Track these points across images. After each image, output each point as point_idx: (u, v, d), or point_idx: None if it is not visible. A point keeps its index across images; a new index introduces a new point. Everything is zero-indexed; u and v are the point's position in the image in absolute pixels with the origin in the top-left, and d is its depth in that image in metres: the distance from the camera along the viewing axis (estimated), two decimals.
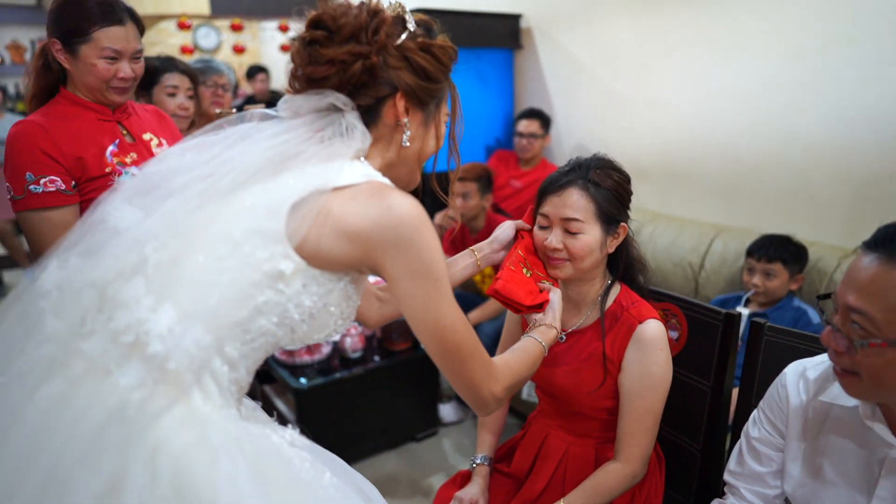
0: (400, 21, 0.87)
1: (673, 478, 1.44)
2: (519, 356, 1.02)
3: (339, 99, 0.85)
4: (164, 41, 7.42)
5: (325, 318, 0.86)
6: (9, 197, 1.43)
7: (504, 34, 3.61)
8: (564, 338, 1.31)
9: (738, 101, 2.60)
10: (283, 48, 5.84)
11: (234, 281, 0.78)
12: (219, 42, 7.43)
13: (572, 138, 3.49)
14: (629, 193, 1.28)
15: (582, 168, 1.24)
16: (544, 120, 3.35)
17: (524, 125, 3.33)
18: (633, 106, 3.08)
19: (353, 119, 0.86)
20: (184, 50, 5.60)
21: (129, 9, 1.51)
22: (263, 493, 0.73)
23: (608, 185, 1.22)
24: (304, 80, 0.86)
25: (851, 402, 0.94)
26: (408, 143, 0.91)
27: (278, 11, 5.84)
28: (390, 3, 0.90)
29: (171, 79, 2.13)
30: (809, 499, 1.00)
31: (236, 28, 5.71)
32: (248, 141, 0.85)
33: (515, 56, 3.72)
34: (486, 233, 2.74)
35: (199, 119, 2.40)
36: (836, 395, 0.96)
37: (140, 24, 1.53)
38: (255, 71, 5.19)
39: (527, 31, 3.63)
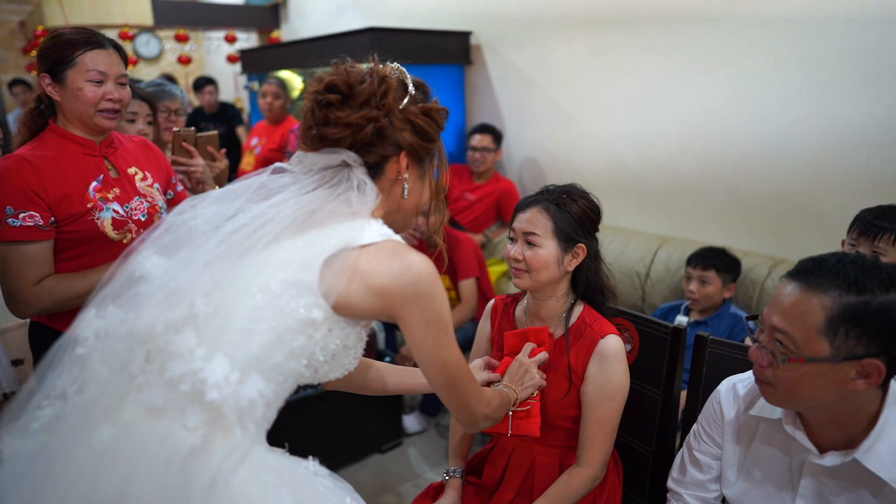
0: (402, 85, 0.98)
1: (629, 479, 1.56)
2: (500, 396, 1.20)
3: (349, 157, 0.94)
4: None
5: (343, 357, 0.96)
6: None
7: (454, 51, 3.72)
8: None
9: (677, 120, 2.78)
10: (230, 59, 5.77)
11: (271, 329, 0.86)
12: (160, 50, 7.28)
13: (522, 152, 3.63)
14: (592, 220, 1.40)
15: (550, 192, 1.40)
16: (496, 134, 3.47)
17: (477, 140, 3.44)
18: (581, 122, 3.24)
19: (361, 175, 0.95)
20: None
21: (111, 39, 1.56)
22: None
23: (570, 209, 1.36)
24: (319, 139, 0.95)
25: (776, 414, 1.07)
26: (407, 196, 1.01)
27: (224, 22, 5.78)
28: (390, 66, 1.00)
29: (131, 105, 2.13)
30: (744, 499, 1.13)
31: (181, 38, 5.61)
32: (272, 197, 0.92)
33: (466, 72, 3.84)
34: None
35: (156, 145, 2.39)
36: (763, 408, 1.09)
37: (123, 54, 1.58)
38: (204, 83, 5.12)
39: (476, 48, 3.75)
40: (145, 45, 7.06)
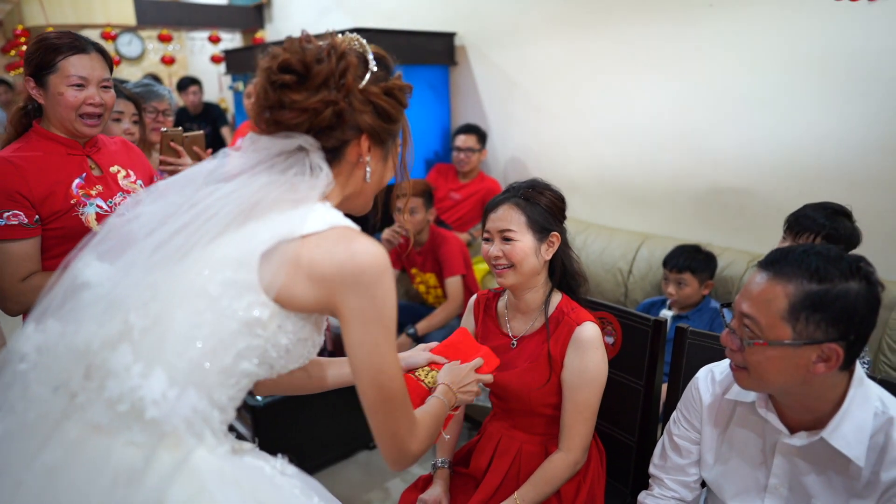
0: (363, 61, 0.90)
1: (612, 468, 1.61)
2: (431, 414, 1.06)
3: (307, 141, 0.87)
4: None
5: (300, 349, 0.91)
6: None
7: (439, 51, 3.75)
8: (516, 344, 1.47)
9: (657, 120, 2.84)
10: (214, 59, 5.75)
11: (214, 333, 0.81)
12: (143, 50, 7.23)
13: (507, 151, 3.67)
14: (560, 209, 1.46)
15: (516, 189, 1.45)
16: (481, 135, 3.51)
17: (462, 140, 3.48)
18: (564, 122, 3.29)
19: (318, 159, 0.88)
20: None
21: (95, 43, 1.59)
22: None
23: (538, 201, 1.42)
24: (274, 123, 0.87)
25: (750, 398, 1.12)
26: (369, 179, 0.95)
27: (207, 22, 5.75)
28: (349, 38, 0.92)
29: (116, 104, 2.13)
30: (721, 480, 1.19)
31: (164, 38, 5.58)
32: (217, 190, 0.86)
33: (451, 72, 3.87)
34: (430, 246, 2.86)
35: (142, 145, 2.39)
36: (738, 392, 1.14)
37: (107, 58, 1.60)
38: (187, 83, 5.10)
39: (461, 49, 3.79)
40: (127, 45, 7.01)
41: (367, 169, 0.94)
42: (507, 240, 1.39)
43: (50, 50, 1.50)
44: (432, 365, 1.26)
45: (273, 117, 0.87)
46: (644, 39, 2.83)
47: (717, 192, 2.68)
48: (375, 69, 0.90)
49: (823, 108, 2.30)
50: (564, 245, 1.46)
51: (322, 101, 0.85)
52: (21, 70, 5.71)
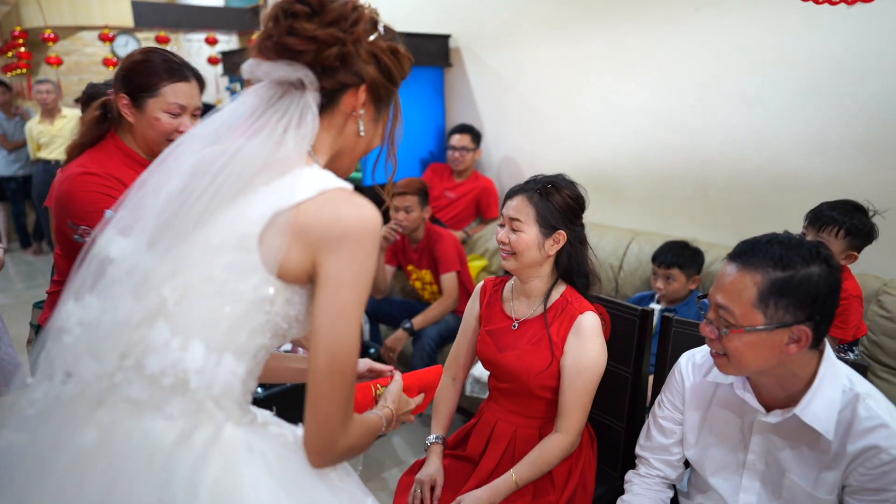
0: (373, 22, 0.93)
1: (603, 453, 1.67)
2: (367, 424, 1.00)
3: (307, 76, 0.87)
4: (79, 50, 7.19)
5: (309, 316, 0.91)
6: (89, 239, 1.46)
7: (434, 53, 3.82)
8: (517, 326, 1.54)
9: (646, 120, 2.92)
10: (211, 60, 5.81)
11: (226, 315, 0.83)
12: None
13: (500, 151, 3.74)
14: (572, 209, 1.51)
15: (536, 182, 1.52)
16: (475, 134, 3.58)
17: (456, 139, 3.55)
18: (556, 122, 3.36)
19: (311, 100, 0.88)
20: (106, 62, 5.46)
21: (194, 69, 1.59)
22: (288, 491, 0.84)
23: (553, 199, 1.48)
24: (279, 49, 0.88)
25: (729, 380, 1.19)
26: (363, 133, 0.95)
27: (204, 24, 5.81)
28: (366, 2, 0.95)
29: None
30: (703, 458, 1.26)
31: (161, 40, 5.63)
32: (217, 151, 0.87)
33: (446, 74, 3.94)
34: (426, 243, 2.93)
35: None
36: (717, 375, 1.21)
37: (202, 85, 1.60)
38: None
39: (455, 51, 3.86)
40: (124, 46, 7.03)
41: (360, 123, 0.94)
42: (515, 229, 1.47)
43: (153, 73, 1.49)
44: (379, 381, 1.24)
45: (280, 41, 0.87)
46: (634, 41, 2.90)
47: (704, 191, 2.76)
48: (383, 32, 0.94)
49: (809, 109, 2.38)
50: (578, 244, 1.52)
51: (331, 35, 0.87)
52: (20, 71, 5.77)
